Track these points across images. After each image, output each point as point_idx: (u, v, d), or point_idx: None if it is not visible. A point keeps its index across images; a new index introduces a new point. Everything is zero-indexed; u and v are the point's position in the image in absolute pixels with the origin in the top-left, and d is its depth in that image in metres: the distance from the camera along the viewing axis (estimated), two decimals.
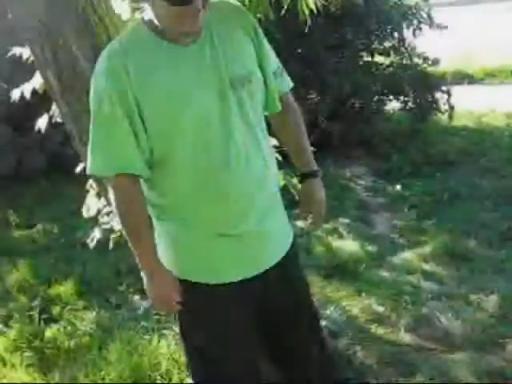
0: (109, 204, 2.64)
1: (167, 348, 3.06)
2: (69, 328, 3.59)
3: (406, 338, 3.27)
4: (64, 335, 3.50)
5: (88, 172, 1.84)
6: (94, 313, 3.83)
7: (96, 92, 1.77)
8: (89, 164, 1.81)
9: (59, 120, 3.04)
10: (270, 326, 2.07)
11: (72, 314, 3.84)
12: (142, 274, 1.89)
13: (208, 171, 1.79)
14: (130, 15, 2.49)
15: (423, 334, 3.29)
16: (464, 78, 11.52)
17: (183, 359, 2.93)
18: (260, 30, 1.96)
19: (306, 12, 2.61)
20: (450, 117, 7.66)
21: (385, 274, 4.10)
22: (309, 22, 2.73)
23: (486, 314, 3.44)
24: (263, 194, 1.91)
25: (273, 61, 2.01)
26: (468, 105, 8.69)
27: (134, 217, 1.83)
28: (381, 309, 3.58)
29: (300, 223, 4.78)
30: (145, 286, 1.90)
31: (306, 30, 2.97)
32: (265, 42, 1.97)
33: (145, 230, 1.85)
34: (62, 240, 5.36)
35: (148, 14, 1.76)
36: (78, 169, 2.97)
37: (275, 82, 2.00)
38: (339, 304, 3.57)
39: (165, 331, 3.34)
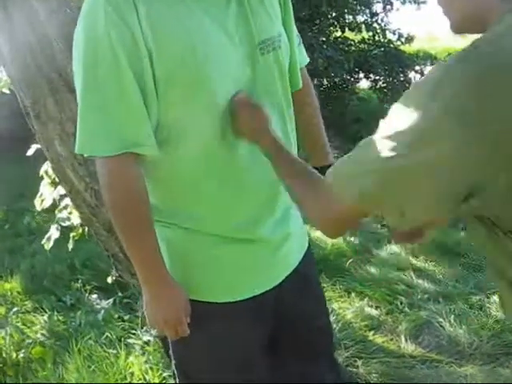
0: (69, 193, 2.11)
1: (138, 366, 2.57)
2: (16, 336, 3.06)
3: (408, 347, 2.89)
4: (11, 345, 2.98)
5: (77, 151, 1.32)
6: (46, 316, 3.30)
7: (88, 37, 1.25)
8: (79, 141, 1.31)
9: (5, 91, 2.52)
10: (281, 344, 1.67)
11: (20, 318, 3.31)
12: (143, 288, 1.42)
13: (226, 154, 1.38)
14: None
15: (426, 343, 2.93)
16: (427, 59, 11.28)
17: (157, 381, 2.47)
18: None
19: None
20: None
21: (373, 270, 3.71)
22: None
23: (490, 318, 3.10)
24: None
25: (294, 25, 1.59)
26: None
27: (138, 211, 1.35)
28: (375, 312, 3.20)
29: None
30: (144, 305, 1.44)
31: None
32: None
33: (151, 229, 1.37)
34: (7, 227, 4.78)
35: None
36: (31, 151, 2.42)
37: (298, 53, 1.61)
38: (331, 306, 3.16)
39: (131, 340, 2.87)
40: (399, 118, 0.91)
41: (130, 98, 1.27)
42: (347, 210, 0.99)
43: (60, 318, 3.28)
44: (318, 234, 4.28)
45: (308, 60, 1.72)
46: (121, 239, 1.41)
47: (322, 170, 1.77)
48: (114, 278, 2.34)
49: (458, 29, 1.07)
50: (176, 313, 1.42)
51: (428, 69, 8.77)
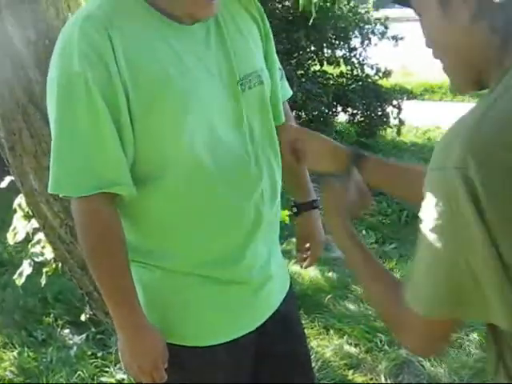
0: (43, 228, 2.06)
1: None
2: None
3: None
4: None
5: (50, 191, 1.29)
6: (16, 352, 3.18)
7: (63, 76, 1.22)
8: (52, 180, 1.27)
9: None
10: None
11: None
12: (117, 332, 1.38)
13: (205, 192, 1.34)
14: None
15: (406, 382, 2.87)
16: (403, 93, 11.39)
17: None
18: (266, 17, 1.51)
19: None
20: (399, 132, 7.40)
21: (351, 306, 3.66)
22: None
23: (470, 357, 3.06)
24: (272, 227, 1.52)
25: (276, 58, 1.57)
26: (410, 120, 8.46)
27: (113, 253, 1.31)
28: (354, 350, 3.14)
29: None
30: (120, 349, 1.39)
31: None
32: (271, 32, 1.52)
33: (126, 271, 1.33)
34: None
35: None
36: (4, 183, 2.36)
37: (280, 87, 1.59)
38: (309, 345, 3.09)
39: (103, 379, 2.78)
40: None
41: (105, 135, 1.24)
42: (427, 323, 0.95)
43: (30, 354, 3.16)
44: (295, 268, 4.25)
45: (291, 93, 1.71)
46: (95, 279, 1.36)
47: (305, 205, 1.77)
48: (87, 315, 2.26)
49: (457, 87, 1.04)
50: (152, 359, 1.36)
51: (405, 104, 8.83)
